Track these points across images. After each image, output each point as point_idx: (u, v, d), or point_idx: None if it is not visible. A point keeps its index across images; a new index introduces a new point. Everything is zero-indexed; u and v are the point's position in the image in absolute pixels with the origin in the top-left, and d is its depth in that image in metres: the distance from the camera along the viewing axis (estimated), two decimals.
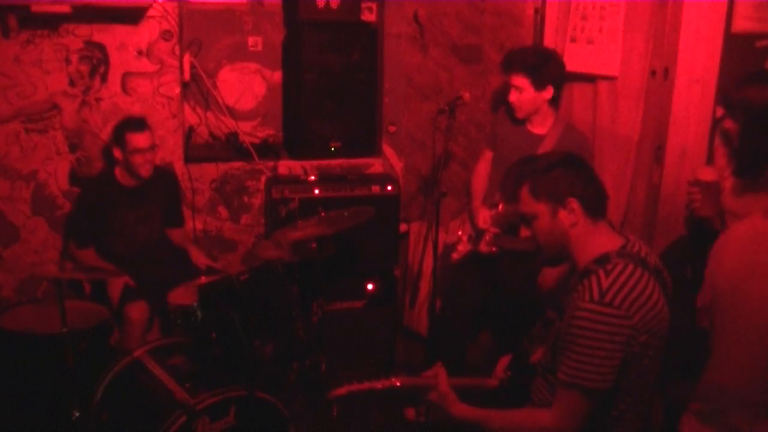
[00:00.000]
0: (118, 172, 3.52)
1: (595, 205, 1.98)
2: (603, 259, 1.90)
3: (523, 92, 3.11)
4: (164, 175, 3.71)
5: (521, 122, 3.25)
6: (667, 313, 1.91)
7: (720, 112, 2.46)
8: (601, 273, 1.86)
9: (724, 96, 2.45)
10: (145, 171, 3.44)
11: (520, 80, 3.09)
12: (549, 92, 3.13)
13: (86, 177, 3.75)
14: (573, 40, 3.40)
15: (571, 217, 1.96)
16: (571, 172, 1.97)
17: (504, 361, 2.34)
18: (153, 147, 3.47)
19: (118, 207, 3.51)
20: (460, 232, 3.37)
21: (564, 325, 1.90)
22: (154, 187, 3.57)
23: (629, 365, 1.86)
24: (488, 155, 3.43)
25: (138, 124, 3.45)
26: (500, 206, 3.15)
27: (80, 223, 3.55)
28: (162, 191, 3.63)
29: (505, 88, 3.21)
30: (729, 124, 2.38)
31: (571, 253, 2.01)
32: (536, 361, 2.10)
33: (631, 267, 1.87)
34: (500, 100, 3.53)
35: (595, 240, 1.96)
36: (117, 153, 3.44)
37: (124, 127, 3.43)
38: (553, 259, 2.11)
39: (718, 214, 2.42)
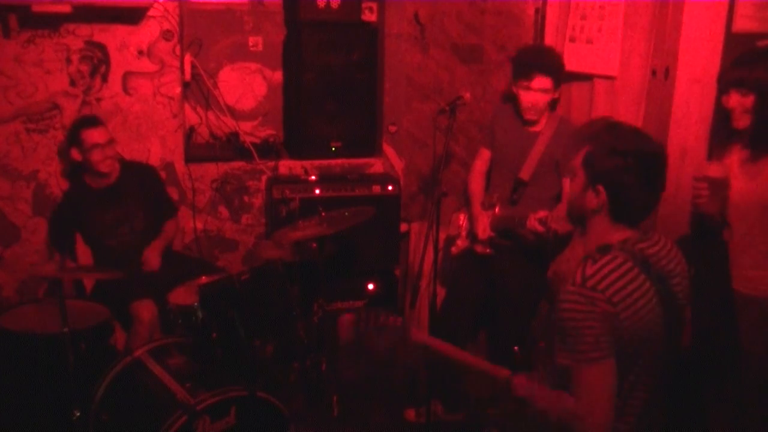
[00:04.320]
0: (87, 177, 3.51)
1: (623, 212, 1.90)
2: (604, 249, 1.87)
3: (546, 93, 3.11)
4: (138, 170, 3.67)
5: (519, 120, 3.25)
6: (659, 323, 1.86)
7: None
8: (589, 261, 1.84)
9: (733, 74, 2.41)
10: (105, 167, 3.43)
11: (545, 82, 3.08)
12: (559, 91, 3.17)
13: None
14: (572, 39, 3.40)
15: (593, 202, 1.91)
16: (628, 170, 1.86)
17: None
18: (110, 142, 3.46)
19: (94, 211, 3.50)
20: (461, 221, 3.37)
21: (555, 311, 1.88)
22: (128, 185, 3.55)
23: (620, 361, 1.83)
24: (485, 154, 3.43)
25: (91, 120, 3.46)
26: (497, 209, 3.15)
27: (56, 235, 3.61)
28: (138, 188, 3.59)
29: (517, 90, 3.18)
30: (735, 100, 2.36)
31: (586, 231, 1.98)
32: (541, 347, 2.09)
33: (621, 260, 1.83)
34: (506, 99, 3.50)
35: (607, 232, 1.93)
36: (75, 154, 3.42)
37: (78, 126, 3.43)
38: (573, 220, 2.05)
39: (722, 210, 2.42)
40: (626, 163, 1.85)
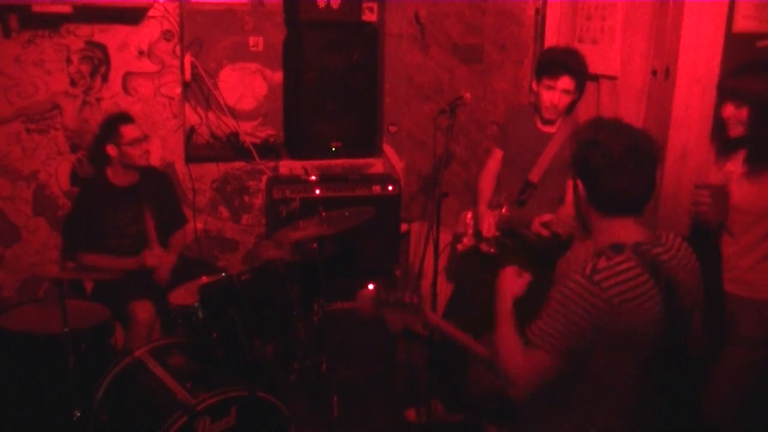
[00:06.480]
0: (109, 172, 3.50)
1: (600, 200, 1.91)
2: (618, 248, 1.86)
3: (568, 95, 3.10)
4: (156, 175, 3.68)
5: (534, 121, 3.24)
6: (659, 327, 1.86)
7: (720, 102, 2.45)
8: (603, 258, 1.83)
9: (728, 84, 2.42)
10: (144, 160, 3.49)
11: (569, 83, 3.08)
12: (581, 94, 3.16)
13: (81, 181, 3.75)
14: (580, 40, 3.40)
15: (578, 195, 1.95)
16: (597, 156, 1.87)
17: None
18: (146, 137, 3.52)
19: (112, 207, 3.49)
20: (469, 219, 3.37)
21: (551, 291, 1.89)
22: (145, 187, 3.56)
23: (603, 354, 1.84)
24: (498, 154, 3.39)
25: (126, 117, 3.50)
26: (504, 209, 3.15)
27: (80, 229, 3.52)
28: (154, 192, 3.59)
29: (539, 88, 3.16)
30: (730, 111, 2.37)
31: (590, 231, 1.97)
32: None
33: (632, 263, 1.83)
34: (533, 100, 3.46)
35: (610, 227, 1.92)
36: (111, 150, 3.42)
37: (115, 121, 3.45)
38: (578, 221, 2.05)
39: (722, 217, 2.42)
40: (595, 152, 1.88)
